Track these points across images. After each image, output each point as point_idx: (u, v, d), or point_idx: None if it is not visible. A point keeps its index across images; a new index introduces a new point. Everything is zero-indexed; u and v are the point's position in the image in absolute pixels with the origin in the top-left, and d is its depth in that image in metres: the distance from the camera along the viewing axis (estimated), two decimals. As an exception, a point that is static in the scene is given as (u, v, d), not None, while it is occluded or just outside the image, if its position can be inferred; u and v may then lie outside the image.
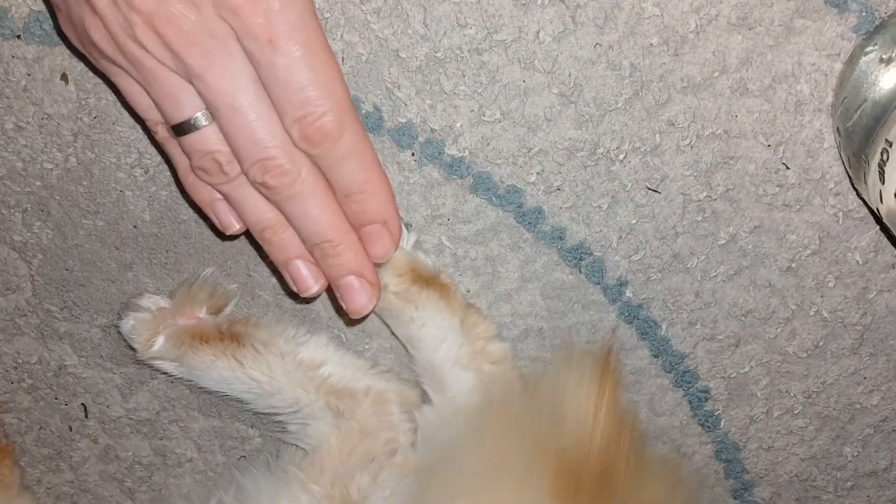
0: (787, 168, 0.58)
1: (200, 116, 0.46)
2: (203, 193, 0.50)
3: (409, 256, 0.58)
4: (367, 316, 0.53)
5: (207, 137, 0.46)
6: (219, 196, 0.50)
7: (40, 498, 0.69)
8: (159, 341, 0.59)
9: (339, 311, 0.61)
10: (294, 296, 0.59)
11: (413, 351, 0.60)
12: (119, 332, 0.60)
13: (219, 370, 0.59)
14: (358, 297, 0.51)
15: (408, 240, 0.59)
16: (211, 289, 0.60)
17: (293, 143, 0.46)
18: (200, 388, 0.62)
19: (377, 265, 0.52)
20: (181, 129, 0.46)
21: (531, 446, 0.53)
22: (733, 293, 0.62)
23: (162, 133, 0.48)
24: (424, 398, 0.61)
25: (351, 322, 0.62)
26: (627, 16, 0.54)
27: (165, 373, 0.61)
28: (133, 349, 0.60)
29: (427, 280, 0.59)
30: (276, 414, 0.61)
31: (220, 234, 0.55)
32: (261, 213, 0.49)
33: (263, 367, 0.59)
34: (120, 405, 0.66)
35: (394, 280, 0.58)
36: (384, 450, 0.59)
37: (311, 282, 0.51)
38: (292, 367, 0.59)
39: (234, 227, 0.51)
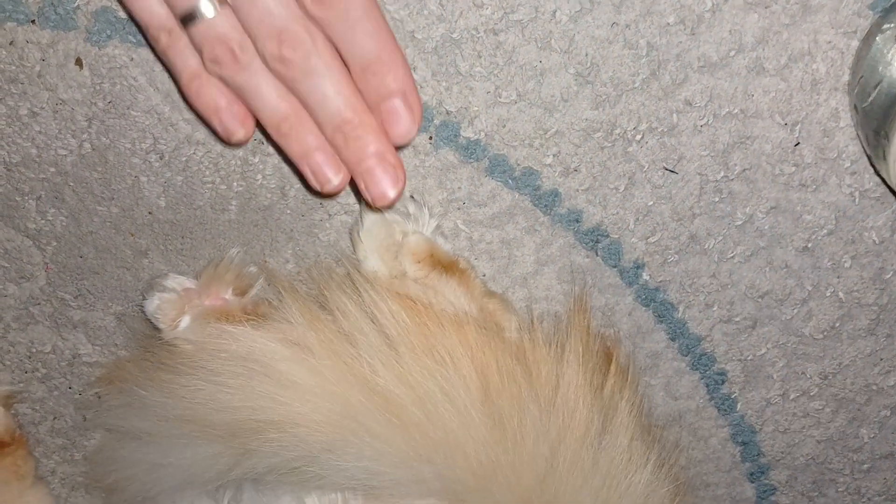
0: (803, 147, 0.58)
1: (209, 2, 0.45)
2: (207, 97, 0.48)
3: (428, 242, 0.58)
4: (390, 205, 0.50)
5: (218, 24, 0.46)
6: (223, 103, 0.48)
7: (55, 489, 0.68)
8: (185, 321, 0.58)
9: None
10: (316, 194, 0.57)
11: None
12: (143, 312, 0.60)
13: None
14: (381, 182, 0.48)
15: (427, 225, 0.58)
16: (237, 269, 0.60)
17: (307, 14, 0.45)
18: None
19: (398, 148, 0.49)
20: (191, 17, 0.46)
21: None
22: (750, 274, 0.62)
23: (164, 40, 0.47)
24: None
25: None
26: (644, -5, 0.54)
27: (186, 356, 0.61)
28: (158, 329, 0.59)
29: (446, 266, 0.58)
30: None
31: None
32: (276, 103, 0.47)
33: None
34: (135, 394, 0.66)
35: (412, 266, 0.57)
36: None
37: (331, 174, 0.48)
38: None
39: (239, 132, 0.49)
